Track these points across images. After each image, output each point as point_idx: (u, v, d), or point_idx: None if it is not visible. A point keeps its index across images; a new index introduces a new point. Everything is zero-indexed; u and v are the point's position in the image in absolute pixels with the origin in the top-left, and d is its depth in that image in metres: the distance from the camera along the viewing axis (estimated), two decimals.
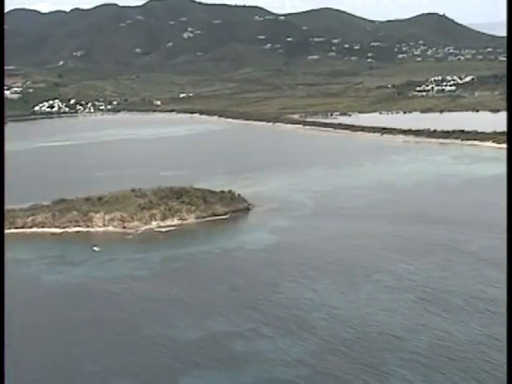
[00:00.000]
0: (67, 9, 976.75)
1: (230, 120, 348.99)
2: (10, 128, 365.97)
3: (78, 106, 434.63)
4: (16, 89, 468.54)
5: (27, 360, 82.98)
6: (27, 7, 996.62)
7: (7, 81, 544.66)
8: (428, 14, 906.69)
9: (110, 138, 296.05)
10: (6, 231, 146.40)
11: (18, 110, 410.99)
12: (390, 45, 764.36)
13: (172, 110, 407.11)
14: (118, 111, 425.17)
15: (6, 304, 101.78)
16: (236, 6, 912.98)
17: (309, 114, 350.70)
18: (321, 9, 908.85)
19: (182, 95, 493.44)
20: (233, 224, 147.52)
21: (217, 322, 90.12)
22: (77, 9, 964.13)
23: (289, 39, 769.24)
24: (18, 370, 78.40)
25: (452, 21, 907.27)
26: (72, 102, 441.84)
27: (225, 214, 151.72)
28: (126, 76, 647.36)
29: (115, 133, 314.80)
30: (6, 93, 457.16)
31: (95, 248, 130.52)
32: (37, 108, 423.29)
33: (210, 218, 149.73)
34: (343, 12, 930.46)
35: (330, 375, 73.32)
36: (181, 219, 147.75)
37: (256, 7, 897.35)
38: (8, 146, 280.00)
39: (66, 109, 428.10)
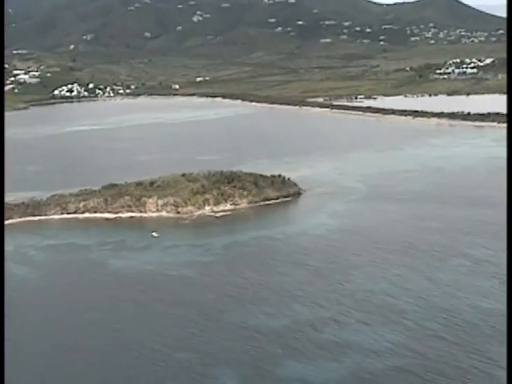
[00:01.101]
0: None
1: (254, 104, 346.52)
2: (34, 112, 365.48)
3: (97, 90, 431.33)
4: (34, 73, 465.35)
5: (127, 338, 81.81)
6: None
7: (22, 65, 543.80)
8: None
9: (139, 122, 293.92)
10: (59, 216, 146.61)
11: (38, 95, 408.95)
12: (401, 28, 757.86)
13: (193, 94, 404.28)
14: (138, 95, 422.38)
15: (88, 288, 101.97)
16: None
17: (332, 97, 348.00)
18: None
19: (198, 79, 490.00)
20: (287, 208, 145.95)
21: (305, 307, 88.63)
22: None
23: (300, 22, 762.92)
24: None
25: (462, 3, 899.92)
26: (91, 86, 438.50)
27: (277, 199, 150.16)
28: (138, 60, 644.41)
29: (142, 117, 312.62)
30: (25, 77, 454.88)
31: (154, 234, 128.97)
32: (56, 92, 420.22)
33: (262, 203, 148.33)
34: None
35: (444, 363, 71.64)
36: (233, 204, 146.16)
37: None
38: (40, 131, 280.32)
39: (85, 93, 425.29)
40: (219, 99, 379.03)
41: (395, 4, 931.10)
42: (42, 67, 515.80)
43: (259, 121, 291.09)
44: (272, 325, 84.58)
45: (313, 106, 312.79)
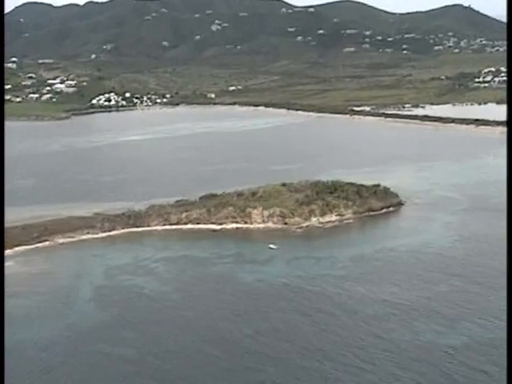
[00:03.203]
0: (81, 2, 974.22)
1: (300, 112, 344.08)
2: (77, 122, 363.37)
3: (135, 100, 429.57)
4: (70, 82, 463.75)
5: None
6: (39, 1, 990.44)
7: (48, 74, 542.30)
8: (452, 5, 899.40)
9: (191, 132, 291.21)
10: (162, 227, 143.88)
11: (76, 104, 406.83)
12: (423, 37, 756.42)
13: (234, 103, 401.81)
14: (176, 104, 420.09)
15: (234, 303, 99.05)
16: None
17: (378, 106, 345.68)
18: (340, 1, 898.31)
19: (231, 88, 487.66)
20: (396, 219, 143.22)
21: (481, 322, 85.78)
22: (91, 2, 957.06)
23: (320, 31, 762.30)
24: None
25: (478, 12, 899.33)
26: (127, 95, 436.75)
27: (380, 209, 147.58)
28: (162, 69, 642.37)
29: (191, 126, 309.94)
30: (61, 86, 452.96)
31: (271, 246, 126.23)
32: (94, 101, 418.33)
33: (366, 214, 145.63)
34: (363, 4, 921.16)
35: None
36: (339, 215, 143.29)
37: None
38: (94, 140, 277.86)
39: (123, 102, 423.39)
40: (262, 108, 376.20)
41: (408, 13, 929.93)
42: (71, 76, 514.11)
43: (315, 130, 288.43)
44: (449, 343, 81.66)
45: (364, 115, 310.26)
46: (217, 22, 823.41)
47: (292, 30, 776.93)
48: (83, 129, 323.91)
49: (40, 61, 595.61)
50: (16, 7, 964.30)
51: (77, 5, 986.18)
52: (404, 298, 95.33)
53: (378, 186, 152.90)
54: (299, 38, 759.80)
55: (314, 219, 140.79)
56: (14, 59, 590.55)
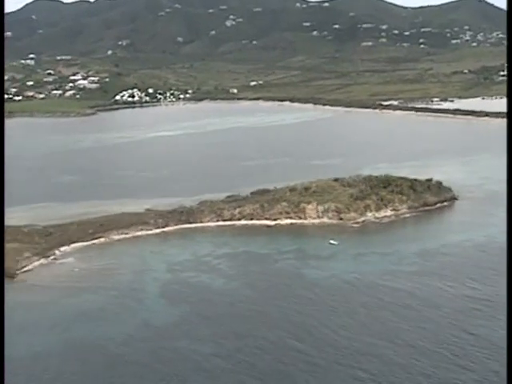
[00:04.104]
0: None
1: (327, 107, 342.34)
2: (103, 118, 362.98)
3: (158, 96, 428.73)
4: (93, 78, 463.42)
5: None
6: None
7: (67, 70, 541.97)
8: None
9: (221, 127, 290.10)
10: (215, 223, 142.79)
11: (99, 100, 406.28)
12: (440, 31, 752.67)
13: (258, 98, 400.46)
14: (200, 100, 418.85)
15: (312, 299, 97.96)
16: None
17: (405, 100, 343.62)
18: None
19: (252, 83, 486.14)
20: (452, 214, 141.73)
21: None
22: None
23: (336, 26, 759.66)
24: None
25: (492, 5, 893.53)
26: (150, 91, 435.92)
27: (435, 204, 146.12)
28: (179, 65, 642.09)
29: (220, 121, 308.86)
30: (84, 82, 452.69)
31: (332, 241, 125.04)
32: (117, 97, 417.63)
33: (421, 209, 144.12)
34: None
35: None
36: (394, 210, 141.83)
37: None
38: (126, 135, 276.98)
39: (147, 98, 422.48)
40: (287, 103, 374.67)
41: (421, 7, 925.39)
42: (90, 72, 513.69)
43: (345, 124, 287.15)
44: None
45: (394, 110, 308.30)
46: (231, 17, 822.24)
47: (307, 24, 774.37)
48: (111, 125, 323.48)
49: (58, 57, 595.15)
50: (27, 4, 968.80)
51: (87, 1, 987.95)
52: (486, 293, 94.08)
53: (431, 180, 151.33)
54: (315, 32, 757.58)
55: (369, 214, 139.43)
56: (32, 56, 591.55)
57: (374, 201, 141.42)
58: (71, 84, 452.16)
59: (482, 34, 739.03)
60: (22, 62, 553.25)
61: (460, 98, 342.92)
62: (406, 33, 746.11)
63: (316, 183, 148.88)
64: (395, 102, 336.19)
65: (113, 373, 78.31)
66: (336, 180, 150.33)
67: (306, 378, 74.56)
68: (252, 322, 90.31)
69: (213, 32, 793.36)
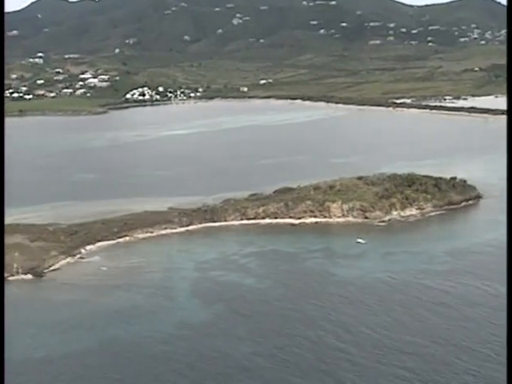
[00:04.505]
0: None
1: (340, 105, 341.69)
2: (115, 116, 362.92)
3: (169, 94, 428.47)
4: (103, 77, 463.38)
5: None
6: None
7: (75, 69, 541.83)
8: None
9: (234, 126, 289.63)
10: (239, 222, 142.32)
11: (110, 98, 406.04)
12: (448, 29, 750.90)
13: (269, 97, 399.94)
14: (210, 98, 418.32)
15: (348, 298, 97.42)
16: None
17: (417, 98, 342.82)
18: None
19: (262, 81, 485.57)
20: (479, 213, 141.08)
21: None
22: None
23: (343, 24, 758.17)
24: None
25: (499, 3, 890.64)
26: (160, 89, 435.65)
27: (460, 203, 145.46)
28: (187, 63, 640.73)
29: (233, 120, 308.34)
30: (94, 81, 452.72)
31: (360, 240, 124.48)
32: (128, 96, 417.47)
33: (446, 207, 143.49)
34: None
35: None
36: (419, 208, 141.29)
37: None
38: (139, 133, 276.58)
39: (157, 96, 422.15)
40: (299, 101, 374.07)
41: (427, 6, 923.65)
42: (99, 71, 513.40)
43: (360, 122, 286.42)
44: None
45: (408, 108, 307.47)
46: (238, 15, 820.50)
47: (314, 23, 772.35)
48: (123, 123, 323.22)
49: (66, 56, 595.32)
50: (32, 3, 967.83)
51: (92, 0, 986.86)
52: None
53: (455, 178, 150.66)
54: (322, 31, 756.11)
55: (394, 213, 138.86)
56: (40, 54, 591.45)
57: (398, 199, 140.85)
58: (81, 83, 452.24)
59: (489, 32, 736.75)
60: (31, 60, 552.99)
61: (473, 96, 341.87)
62: (414, 31, 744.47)
63: (340, 181, 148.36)
64: (408, 100, 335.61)
65: (155, 371, 77.83)
66: (360, 178, 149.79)
67: (350, 377, 74.07)
68: (289, 320, 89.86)
69: (220, 30, 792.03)
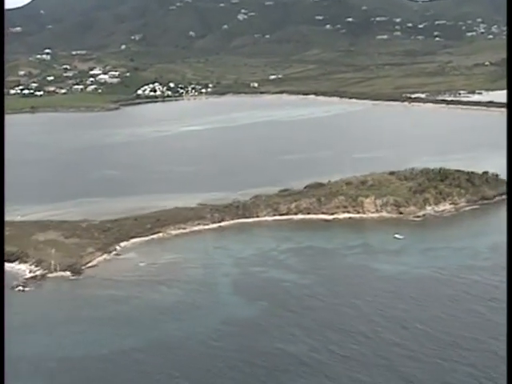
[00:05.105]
0: None
1: (354, 100, 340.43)
2: (129, 112, 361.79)
3: (180, 90, 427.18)
4: (113, 73, 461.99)
5: None
6: None
7: (82, 65, 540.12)
8: None
9: (249, 121, 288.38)
10: (272, 218, 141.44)
11: (121, 94, 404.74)
12: (454, 24, 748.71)
13: (281, 92, 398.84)
14: (222, 94, 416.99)
15: (397, 293, 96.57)
16: None
17: (431, 93, 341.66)
18: None
19: (272, 77, 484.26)
20: None
21: None
22: None
23: (349, 19, 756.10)
24: None
25: None
26: (171, 85, 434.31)
27: (493, 198, 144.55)
28: (194, 59, 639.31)
29: (249, 115, 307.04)
30: (105, 77, 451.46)
31: (397, 235, 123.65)
32: (139, 92, 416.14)
33: (480, 202, 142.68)
34: None
35: None
36: (453, 203, 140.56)
37: None
38: (156, 129, 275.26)
39: (169, 92, 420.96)
40: (311, 96, 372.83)
41: (430, 1, 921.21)
42: (108, 67, 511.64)
43: (377, 117, 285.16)
44: None
45: (424, 103, 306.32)
46: (243, 11, 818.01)
47: (320, 18, 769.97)
48: (138, 119, 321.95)
49: (73, 52, 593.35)
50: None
51: None
52: None
53: (487, 173, 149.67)
54: (328, 26, 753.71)
55: (428, 208, 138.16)
56: (47, 51, 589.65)
57: (432, 194, 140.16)
58: (92, 79, 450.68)
59: (496, 26, 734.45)
60: (38, 56, 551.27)
61: (487, 90, 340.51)
62: (420, 26, 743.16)
63: (372, 177, 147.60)
64: (422, 95, 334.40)
65: (213, 368, 77.15)
66: (392, 173, 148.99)
67: (414, 373, 73.36)
68: (340, 315, 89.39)
69: (225, 26, 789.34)
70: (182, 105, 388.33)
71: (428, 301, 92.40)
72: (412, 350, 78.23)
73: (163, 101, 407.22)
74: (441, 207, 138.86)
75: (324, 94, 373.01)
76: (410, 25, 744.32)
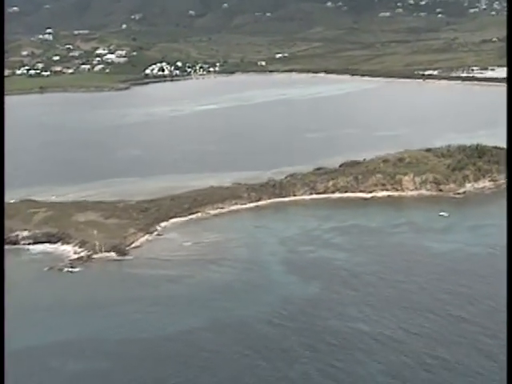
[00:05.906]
0: None
1: (366, 78, 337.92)
2: (139, 92, 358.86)
3: (188, 69, 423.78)
4: (120, 52, 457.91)
5: None
6: None
7: (85, 45, 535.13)
8: None
9: (264, 100, 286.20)
10: (309, 196, 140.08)
11: (130, 74, 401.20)
12: (457, 0, 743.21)
13: (291, 70, 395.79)
14: (231, 72, 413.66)
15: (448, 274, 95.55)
16: None
17: (443, 69, 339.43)
18: None
19: (278, 55, 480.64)
20: None
21: None
22: None
23: None
24: None
25: None
26: (179, 64, 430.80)
27: None
28: (197, 38, 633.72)
29: (260, 94, 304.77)
30: (112, 56, 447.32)
31: (443, 213, 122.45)
32: (147, 71, 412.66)
33: None
34: None
35: None
36: (492, 180, 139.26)
37: None
38: (172, 109, 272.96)
39: (177, 71, 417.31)
40: (321, 74, 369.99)
41: None
42: (112, 46, 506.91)
43: (392, 95, 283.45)
44: None
45: (439, 79, 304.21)
46: None
47: None
48: (149, 99, 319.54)
49: (75, 32, 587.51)
50: None
51: None
52: None
53: None
54: (329, 3, 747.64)
55: (468, 185, 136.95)
56: (49, 31, 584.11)
57: (472, 171, 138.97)
58: (98, 58, 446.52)
59: (497, 2, 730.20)
60: (40, 36, 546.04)
61: (499, 66, 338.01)
62: (422, 2, 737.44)
63: (408, 154, 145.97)
64: (434, 72, 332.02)
65: (287, 345, 76.05)
66: (429, 150, 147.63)
67: (496, 350, 71.87)
68: (404, 292, 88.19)
69: (225, 5, 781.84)
70: (192, 84, 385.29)
71: (489, 277, 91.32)
72: (486, 328, 77.25)
73: (172, 80, 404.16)
74: (480, 184, 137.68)
75: (334, 71, 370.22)
76: (411, 2, 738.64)
